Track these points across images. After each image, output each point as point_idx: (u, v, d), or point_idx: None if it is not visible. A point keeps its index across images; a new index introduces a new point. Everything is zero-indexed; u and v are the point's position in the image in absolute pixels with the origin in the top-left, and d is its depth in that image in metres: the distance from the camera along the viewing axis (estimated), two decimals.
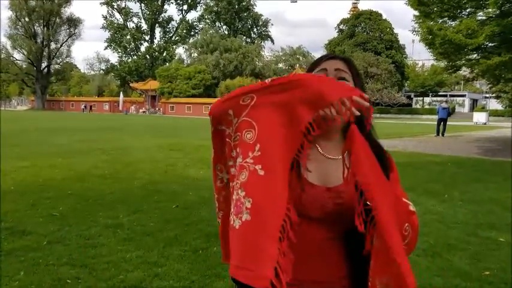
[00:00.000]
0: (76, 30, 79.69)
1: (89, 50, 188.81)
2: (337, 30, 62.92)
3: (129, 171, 8.94)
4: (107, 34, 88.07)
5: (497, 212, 6.06)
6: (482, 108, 51.96)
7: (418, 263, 4.15)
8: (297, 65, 78.61)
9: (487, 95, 57.47)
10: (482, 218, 5.74)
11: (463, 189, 7.68)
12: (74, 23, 78.44)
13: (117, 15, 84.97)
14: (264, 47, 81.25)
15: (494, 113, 50.02)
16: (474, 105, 60.06)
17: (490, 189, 7.67)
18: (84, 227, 5.05)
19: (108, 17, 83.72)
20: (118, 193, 6.83)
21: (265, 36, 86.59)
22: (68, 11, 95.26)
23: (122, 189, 7.12)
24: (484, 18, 13.38)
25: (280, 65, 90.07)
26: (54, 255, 4.14)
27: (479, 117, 39.86)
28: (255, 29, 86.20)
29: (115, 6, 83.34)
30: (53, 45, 78.53)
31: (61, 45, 78.95)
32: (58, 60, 79.97)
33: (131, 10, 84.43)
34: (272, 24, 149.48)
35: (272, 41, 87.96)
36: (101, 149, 12.82)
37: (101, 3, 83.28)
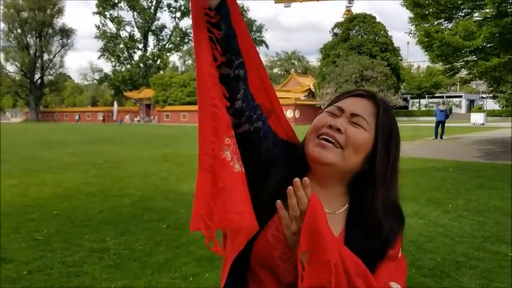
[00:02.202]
0: (69, 41, 79.63)
1: (82, 60, 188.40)
2: (331, 34, 62.81)
3: (119, 187, 8.61)
4: (100, 43, 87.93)
5: (504, 223, 5.77)
6: (480, 109, 51.95)
7: (425, 284, 3.86)
8: (292, 69, 78.60)
9: (484, 96, 57.40)
10: (490, 230, 5.46)
11: (467, 197, 7.40)
12: (66, 33, 78.33)
13: (110, 24, 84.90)
14: (259, 53, 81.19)
15: (491, 113, 49.84)
16: (471, 106, 59.94)
17: (495, 197, 7.39)
18: (68, 253, 4.74)
19: (100, 27, 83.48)
20: (106, 212, 6.51)
21: (260, 42, 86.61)
22: (60, 21, 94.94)
23: (110, 208, 6.79)
24: (480, 19, 13.16)
25: (276, 70, 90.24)
26: (34, 286, 3.84)
27: (477, 118, 39.72)
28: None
29: (107, 16, 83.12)
30: (45, 56, 78.38)
31: (54, 56, 78.82)
32: (51, 71, 79.79)
33: (124, 19, 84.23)
34: (266, 30, 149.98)
35: (267, 46, 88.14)
36: (92, 163, 12.49)
37: (93, 13, 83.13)
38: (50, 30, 77.23)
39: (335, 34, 62.55)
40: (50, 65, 79.17)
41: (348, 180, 1.15)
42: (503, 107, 52.65)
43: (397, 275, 1.10)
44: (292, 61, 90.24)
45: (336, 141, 1.08)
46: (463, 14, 13.82)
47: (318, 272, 0.95)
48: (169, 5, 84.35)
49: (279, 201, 1.00)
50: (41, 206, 7.00)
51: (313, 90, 57.49)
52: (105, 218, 6.16)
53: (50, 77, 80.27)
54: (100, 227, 5.72)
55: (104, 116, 67.56)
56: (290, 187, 0.98)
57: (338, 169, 1.10)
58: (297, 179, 0.98)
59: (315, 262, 0.95)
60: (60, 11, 77.47)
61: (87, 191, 8.27)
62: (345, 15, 64.12)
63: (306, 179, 0.98)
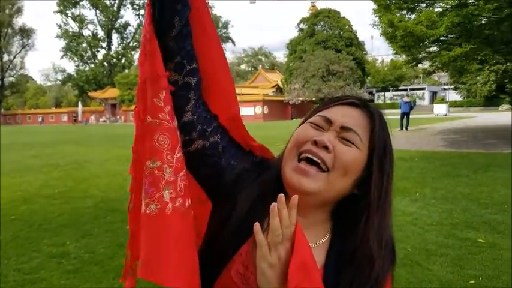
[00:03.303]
0: (29, 41, 77.14)
1: (44, 60, 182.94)
2: (297, 30, 63.15)
3: (81, 189, 8.28)
4: (62, 43, 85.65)
5: (472, 209, 5.81)
6: (442, 100, 53.32)
7: (396, 274, 3.78)
8: (260, 66, 78.64)
9: (446, 87, 58.91)
10: (458, 217, 5.47)
11: (433, 185, 7.46)
12: (26, 33, 75.91)
13: (72, 23, 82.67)
14: (226, 49, 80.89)
15: (453, 104, 51.22)
16: (434, 98, 61.45)
17: (461, 184, 7.47)
18: (25, 259, 4.47)
19: (62, 26, 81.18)
20: (67, 215, 6.21)
21: (226, 38, 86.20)
22: (19, 21, 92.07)
23: (71, 211, 6.49)
24: (442, 9, 13.37)
25: (243, 67, 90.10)
26: None
27: (440, 109, 40.65)
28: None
29: (69, 14, 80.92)
30: (5, 57, 75.80)
31: (14, 57, 76.36)
32: (12, 73, 77.32)
33: (86, 17, 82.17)
34: (232, 26, 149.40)
35: (233, 42, 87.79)
36: (54, 165, 12.04)
37: (54, 12, 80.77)
38: (10, 31, 74.65)
39: (301, 30, 62.89)
40: (10, 66, 76.70)
41: (331, 206, 0.95)
42: (464, 98, 54.20)
43: None
44: (259, 57, 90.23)
45: (322, 162, 0.87)
46: (425, 5, 14.01)
47: None
48: (132, 3, 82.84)
49: (256, 224, 0.79)
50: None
51: (281, 85, 57.67)
52: (65, 221, 5.87)
53: (11, 79, 77.81)
54: (60, 230, 5.45)
55: (75, 117, 65.02)
56: (274, 204, 0.79)
57: (321, 197, 0.90)
58: (281, 195, 0.80)
59: None
60: (19, 11, 74.98)
61: (48, 193, 7.91)
62: (310, 11, 64.48)
63: (295, 197, 0.80)
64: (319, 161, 0.87)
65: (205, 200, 1.02)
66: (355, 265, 0.89)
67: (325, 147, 0.87)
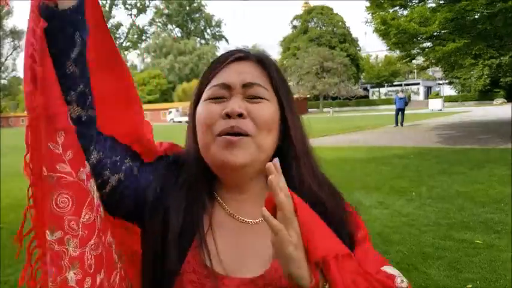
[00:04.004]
0: (20, 43, 76.61)
1: None
2: (291, 27, 63.15)
3: None
4: None
5: (468, 208, 5.72)
6: (437, 95, 53.41)
7: None
8: None
9: (440, 82, 59.03)
10: (454, 217, 5.38)
11: (429, 184, 7.37)
12: (17, 35, 75.46)
13: None
14: (219, 48, 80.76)
15: (448, 99, 51.33)
16: (428, 93, 61.54)
17: (457, 182, 7.38)
18: (12, 270, 4.35)
19: None
20: None
21: (220, 37, 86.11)
22: (10, 23, 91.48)
23: None
24: (434, 5, 13.32)
25: None
26: None
27: (435, 104, 40.67)
28: (208, 30, 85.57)
29: None
30: None
31: (6, 59, 75.98)
32: (3, 75, 76.94)
33: None
34: (225, 24, 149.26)
35: (227, 40, 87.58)
36: None
37: None
38: (0, 33, 74.20)
39: (294, 27, 62.91)
40: (2, 68, 76.24)
41: (263, 170, 0.83)
42: (459, 92, 54.35)
43: (379, 257, 0.86)
44: None
45: (244, 131, 0.80)
46: (417, 1, 13.95)
47: (343, 276, 0.70)
48: (124, 2, 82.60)
49: (264, 209, 0.69)
50: None
51: None
52: None
53: (3, 81, 77.54)
54: None
55: None
56: (272, 176, 0.68)
57: (255, 164, 0.83)
58: (273, 161, 0.70)
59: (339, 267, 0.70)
60: (9, 12, 74.44)
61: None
62: (304, 8, 64.48)
63: (275, 161, 0.70)
64: (242, 132, 0.80)
65: (131, 226, 0.87)
66: None
67: (240, 115, 0.80)
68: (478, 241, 4.49)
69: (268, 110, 0.83)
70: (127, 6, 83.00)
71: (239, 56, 0.86)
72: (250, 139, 0.81)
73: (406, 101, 22.71)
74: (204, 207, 0.83)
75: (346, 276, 0.70)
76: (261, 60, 0.87)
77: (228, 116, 0.80)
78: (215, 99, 0.84)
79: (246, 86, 0.83)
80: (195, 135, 0.87)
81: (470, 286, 3.53)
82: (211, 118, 0.82)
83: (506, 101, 46.70)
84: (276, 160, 0.70)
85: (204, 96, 0.86)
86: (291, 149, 0.87)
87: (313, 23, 59.92)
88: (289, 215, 0.68)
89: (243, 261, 0.82)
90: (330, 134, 18.74)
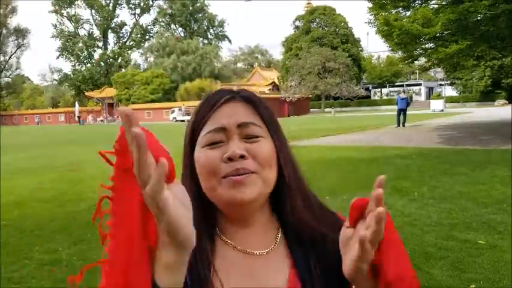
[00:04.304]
0: (25, 41, 76.86)
1: (40, 60, 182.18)
2: (293, 27, 63.11)
3: (76, 192, 8.19)
4: (58, 43, 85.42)
5: (471, 209, 5.73)
6: (438, 96, 53.30)
7: None
8: (256, 63, 78.49)
9: (442, 83, 58.93)
10: (457, 217, 5.39)
11: (431, 184, 7.38)
12: (21, 33, 75.66)
13: (68, 22, 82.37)
14: (222, 48, 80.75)
15: (449, 100, 51.22)
16: (430, 93, 61.44)
17: (459, 182, 7.39)
18: (16, 267, 4.38)
19: (58, 25, 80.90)
20: (60, 220, 6.11)
21: (222, 37, 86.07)
22: (14, 21, 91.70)
23: (65, 215, 6.40)
24: (437, 6, 13.30)
25: (240, 65, 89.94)
26: None
27: (436, 104, 40.63)
28: (211, 30, 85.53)
29: (64, 14, 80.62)
30: (1, 58, 75.58)
31: (10, 57, 76.16)
32: (7, 73, 77.10)
33: (82, 17, 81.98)
34: (228, 24, 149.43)
35: (229, 41, 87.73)
36: (49, 167, 11.94)
37: (49, 11, 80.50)
38: (4, 31, 74.35)
39: (296, 27, 62.84)
40: (6, 66, 76.46)
41: (266, 203, 0.90)
42: (460, 93, 54.24)
43: None
44: (256, 55, 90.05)
45: (249, 171, 0.81)
46: (420, 2, 13.93)
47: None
48: (128, 2, 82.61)
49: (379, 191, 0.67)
50: None
51: (278, 83, 57.61)
52: (58, 226, 5.77)
53: (7, 79, 77.58)
54: (52, 236, 5.35)
55: (79, 116, 61.32)
56: (380, 190, 0.67)
57: (261, 198, 0.85)
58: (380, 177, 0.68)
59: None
60: (13, 11, 74.72)
61: (41, 197, 7.81)
62: (306, 8, 64.43)
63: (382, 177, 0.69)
64: (247, 172, 0.81)
65: None
66: (313, 245, 0.86)
67: (242, 157, 0.81)
68: (480, 241, 4.50)
69: (266, 147, 0.84)
70: (130, 5, 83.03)
71: (226, 98, 0.86)
72: (255, 175, 0.82)
73: (408, 102, 22.69)
74: (208, 253, 0.83)
75: None
76: (249, 99, 0.88)
77: (230, 159, 0.81)
78: (212, 144, 0.84)
79: (240, 126, 0.84)
80: (194, 178, 0.87)
81: (473, 286, 3.54)
82: (213, 164, 0.82)
83: (507, 102, 46.61)
84: (383, 177, 0.69)
85: (201, 142, 0.85)
86: (282, 181, 0.87)
87: (315, 24, 59.85)
88: (382, 229, 0.67)
89: None
90: (332, 134, 18.75)
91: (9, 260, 4.58)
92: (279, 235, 0.89)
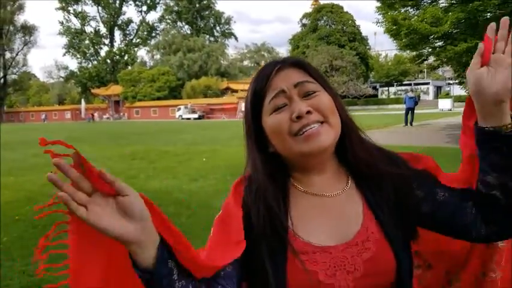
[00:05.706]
0: (31, 38, 77.23)
1: (47, 57, 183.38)
2: (300, 25, 63.00)
3: None
4: (64, 40, 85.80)
5: None
6: (447, 95, 53.04)
7: None
8: (263, 61, 78.45)
9: (450, 82, 58.64)
10: None
11: None
12: (28, 30, 76.00)
13: (74, 19, 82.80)
14: (228, 45, 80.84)
15: (458, 99, 50.98)
16: (438, 92, 61.15)
17: None
18: (29, 261, 4.43)
19: (64, 22, 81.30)
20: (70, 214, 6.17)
21: (229, 34, 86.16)
22: (21, 18, 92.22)
23: None
24: (446, 5, 13.26)
25: (246, 62, 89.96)
26: None
27: (444, 103, 40.53)
28: (217, 27, 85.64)
29: (71, 11, 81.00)
30: (8, 55, 75.99)
31: (16, 54, 76.59)
32: (14, 70, 77.51)
33: (88, 14, 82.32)
34: (235, 22, 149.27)
35: (236, 38, 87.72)
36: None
37: (56, 9, 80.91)
38: (11, 28, 74.74)
39: (303, 25, 62.68)
40: (13, 63, 76.84)
41: (333, 150, 1.01)
42: (468, 93, 53.90)
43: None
44: (262, 53, 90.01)
45: (319, 122, 0.93)
46: (429, 1, 13.88)
47: None
48: None
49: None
50: (1, 211, 6.61)
51: None
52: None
53: (14, 76, 78.02)
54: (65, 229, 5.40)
55: (92, 114, 58.98)
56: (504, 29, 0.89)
57: (334, 142, 0.97)
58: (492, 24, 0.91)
59: None
60: (21, 8, 75.06)
61: (51, 193, 7.87)
62: (313, 6, 64.28)
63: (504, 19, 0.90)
64: (317, 125, 0.92)
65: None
66: (376, 183, 0.98)
67: (308, 112, 0.92)
68: None
69: (325, 99, 0.96)
70: (137, 3, 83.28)
71: (279, 67, 0.97)
72: (324, 124, 0.93)
73: (416, 101, 22.61)
74: (284, 198, 0.96)
75: None
76: (297, 63, 0.98)
77: (299, 117, 0.92)
78: (278, 109, 0.94)
79: (297, 85, 0.94)
80: (259, 146, 0.99)
81: None
82: (284, 125, 0.93)
83: None
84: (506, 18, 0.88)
85: (267, 110, 0.96)
86: (343, 124, 0.98)
87: (322, 22, 59.72)
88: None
89: (338, 229, 0.94)
90: None
91: (24, 253, 4.64)
92: (349, 180, 1.01)
